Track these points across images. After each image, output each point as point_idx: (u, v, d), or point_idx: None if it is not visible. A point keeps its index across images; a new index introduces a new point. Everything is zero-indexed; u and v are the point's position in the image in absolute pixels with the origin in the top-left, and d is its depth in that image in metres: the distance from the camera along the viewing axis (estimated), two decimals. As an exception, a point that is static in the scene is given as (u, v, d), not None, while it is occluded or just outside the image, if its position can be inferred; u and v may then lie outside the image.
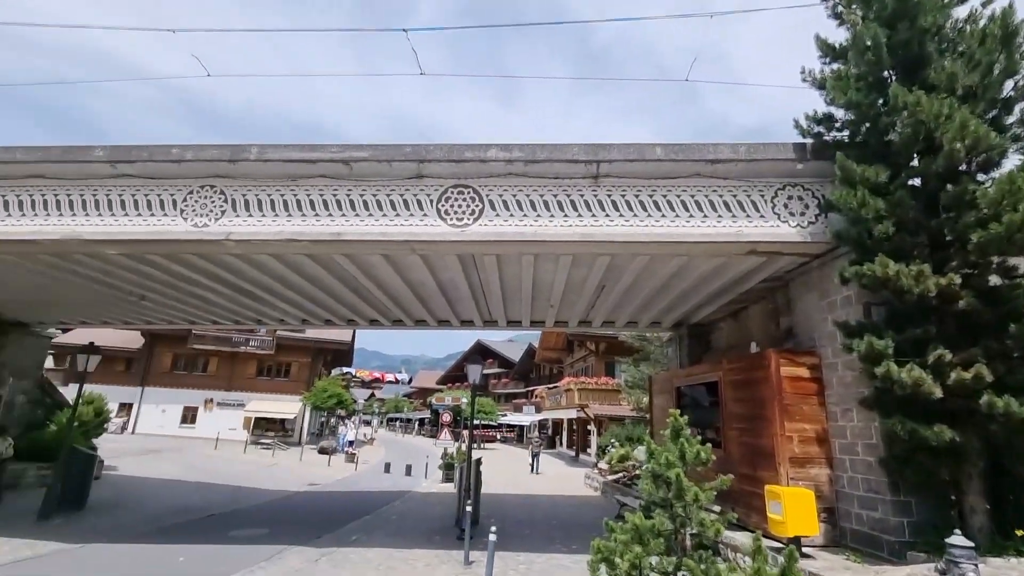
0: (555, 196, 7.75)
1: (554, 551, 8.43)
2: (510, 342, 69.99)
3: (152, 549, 8.06)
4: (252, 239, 7.75)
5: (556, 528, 10.51)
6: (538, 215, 7.71)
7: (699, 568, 3.56)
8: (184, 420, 32.69)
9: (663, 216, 7.63)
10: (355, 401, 30.48)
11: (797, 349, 7.99)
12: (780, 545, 6.99)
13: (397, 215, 7.77)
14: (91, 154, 7.95)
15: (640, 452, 17.06)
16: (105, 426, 16.58)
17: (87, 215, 8.00)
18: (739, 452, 8.45)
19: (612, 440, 19.30)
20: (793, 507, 6.45)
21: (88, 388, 23.32)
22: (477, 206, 7.77)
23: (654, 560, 3.78)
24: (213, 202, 7.97)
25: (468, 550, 7.52)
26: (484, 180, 7.83)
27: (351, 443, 25.30)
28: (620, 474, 16.24)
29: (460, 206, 7.76)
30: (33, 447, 13.50)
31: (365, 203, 7.84)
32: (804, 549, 6.49)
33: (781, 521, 6.45)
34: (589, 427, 28.19)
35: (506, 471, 23.45)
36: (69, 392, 19.42)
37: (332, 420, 45.68)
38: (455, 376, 69.82)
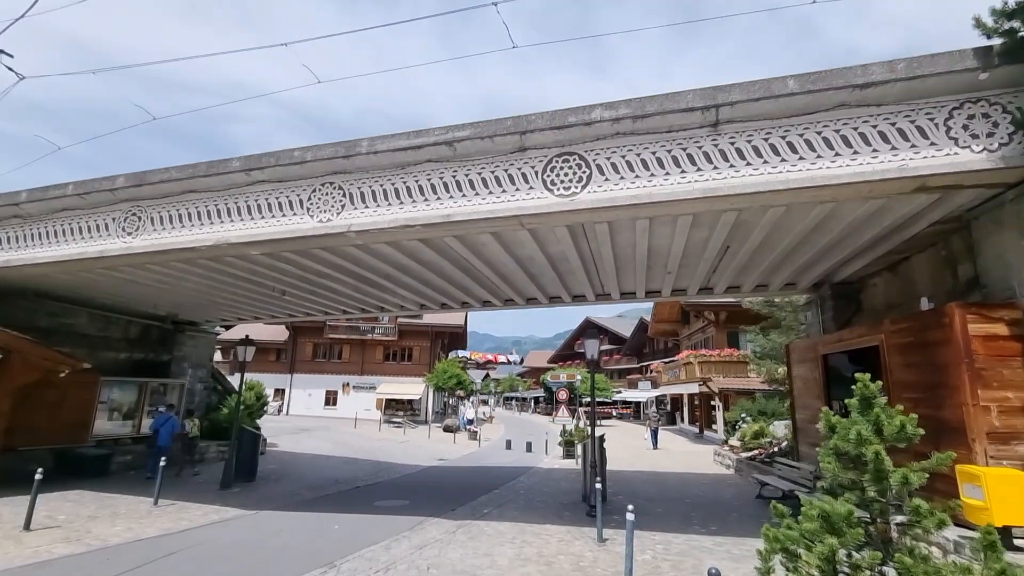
0: (669, 152, 7.07)
1: (692, 532, 7.94)
2: (619, 317, 68.43)
3: (312, 517, 8.95)
4: (370, 228, 8.09)
5: (691, 507, 9.94)
6: (651, 175, 7.10)
7: (918, 566, 2.95)
8: (327, 402, 36.52)
9: (800, 159, 6.61)
10: (473, 381, 31.72)
11: (989, 302, 6.54)
12: (971, 534, 5.86)
13: (503, 191, 7.63)
14: (229, 165, 8.81)
15: (778, 427, 15.64)
16: (265, 408, 18.92)
17: (232, 221, 8.92)
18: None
19: (743, 415, 17.93)
20: (1000, 491, 5.33)
21: (248, 376, 26.81)
22: (584, 172, 7.36)
23: (851, 554, 3.21)
24: (333, 197, 8.44)
25: (601, 527, 7.32)
26: (590, 144, 7.37)
27: (471, 421, 26.43)
28: (755, 451, 15.02)
29: (566, 174, 7.40)
30: (212, 427, 15.82)
31: (471, 182, 7.80)
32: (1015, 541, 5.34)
33: (982, 508, 5.35)
34: (713, 402, 26.58)
35: (626, 447, 22.97)
36: (236, 380, 22.37)
37: (453, 400, 48.32)
38: (565, 355, 70.16)
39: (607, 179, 7.24)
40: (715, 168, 6.86)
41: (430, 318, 37.15)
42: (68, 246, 9.84)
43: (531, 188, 7.54)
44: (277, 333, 37.95)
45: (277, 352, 38.69)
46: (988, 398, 6.12)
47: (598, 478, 7.82)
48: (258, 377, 37.11)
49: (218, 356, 41.98)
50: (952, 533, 5.93)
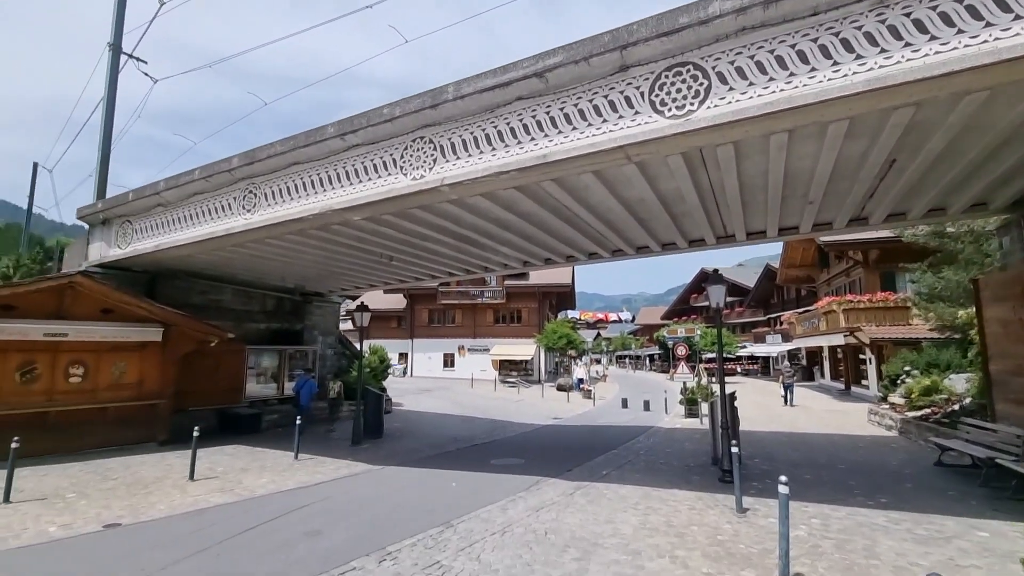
0: (815, 41, 5.55)
1: (855, 504, 6.68)
2: (740, 267, 63.04)
3: (431, 474, 9.10)
4: (463, 180, 7.62)
5: (848, 474, 8.51)
6: (791, 74, 5.65)
7: None
8: (445, 364, 38.42)
9: (1017, 17, 4.78)
10: (584, 341, 31.19)
11: None
12: None
13: (604, 120, 6.65)
14: (325, 132, 8.83)
15: (956, 382, 13.06)
16: (389, 371, 20.12)
17: (333, 188, 9.00)
18: None
19: (906, 368, 15.26)
20: None
21: (373, 342, 28.88)
22: (701, 85, 6.11)
23: None
24: (425, 152, 8.08)
25: (740, 495, 6.39)
26: (707, 49, 6.07)
27: (581, 380, 26.06)
28: (927, 410, 12.67)
29: (679, 91, 6.20)
30: (344, 389, 17.10)
31: (567, 116, 6.92)
32: None
33: None
34: (862, 355, 23.24)
35: (756, 405, 21.04)
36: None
37: (565, 359, 48.40)
38: (680, 310, 66.70)
39: (731, 88, 5.93)
40: (883, 52, 5.24)
41: (536, 278, 37.02)
42: (201, 227, 10.75)
43: (637, 113, 6.47)
44: (396, 302, 40.43)
45: (398, 319, 41.32)
46: None
47: (734, 441, 6.82)
48: (382, 343, 40.08)
49: (348, 326, 46.16)
50: None
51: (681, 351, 18.01)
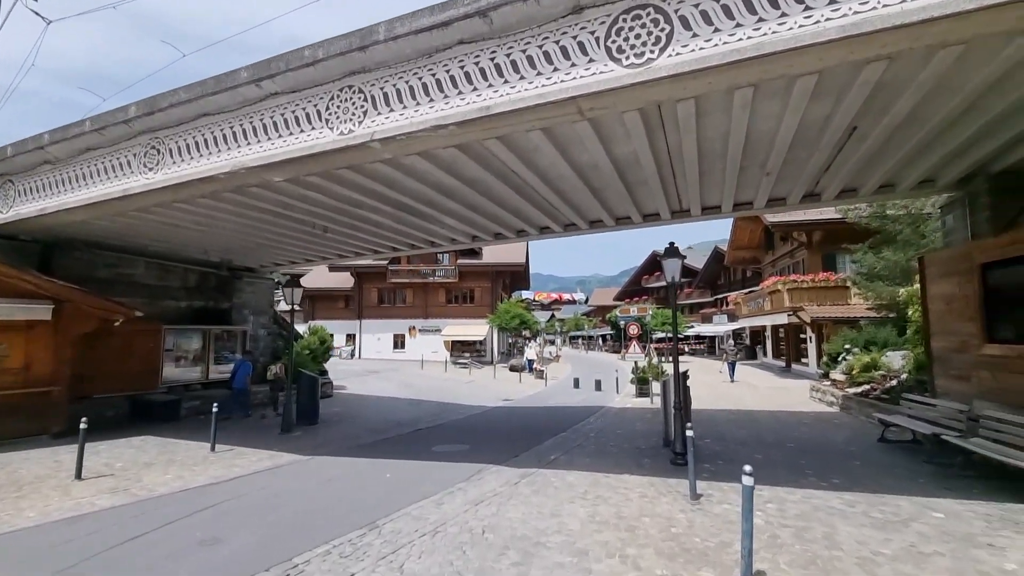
0: (785, -18, 4.98)
1: (809, 486, 6.42)
2: (689, 249, 64.37)
3: (366, 463, 8.29)
4: (397, 135, 6.68)
5: (798, 453, 8.36)
6: (759, 20, 5.05)
7: None
8: (395, 345, 37.22)
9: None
10: (537, 321, 30.84)
11: None
12: None
13: (555, 69, 5.88)
14: (237, 77, 7.62)
15: (893, 359, 13.37)
16: (330, 353, 18.91)
17: (248, 144, 7.83)
18: None
19: (846, 346, 15.62)
20: None
21: (318, 323, 27.36)
22: (663, 30, 5.43)
23: None
24: (354, 104, 7.07)
25: (694, 482, 5.97)
26: (670, -12, 5.40)
27: (532, 362, 25.70)
28: (866, 386, 12.92)
29: (638, 36, 5.51)
30: (287, 371, 15.84)
31: (514, 63, 6.10)
32: None
33: None
34: (803, 334, 24.00)
35: (703, 383, 21.32)
36: (310, 328, 22.63)
37: (519, 340, 48.17)
38: (632, 291, 67.84)
39: (695, 35, 5.29)
40: (859, -4, 4.73)
41: (489, 257, 36.23)
42: (95, 188, 9.27)
43: (591, 61, 5.73)
44: (343, 281, 38.66)
45: (345, 299, 39.59)
46: None
47: (688, 424, 6.38)
48: (329, 324, 38.23)
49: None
50: None
51: (633, 330, 17.82)
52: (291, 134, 7.52)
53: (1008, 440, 6.45)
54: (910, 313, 12.95)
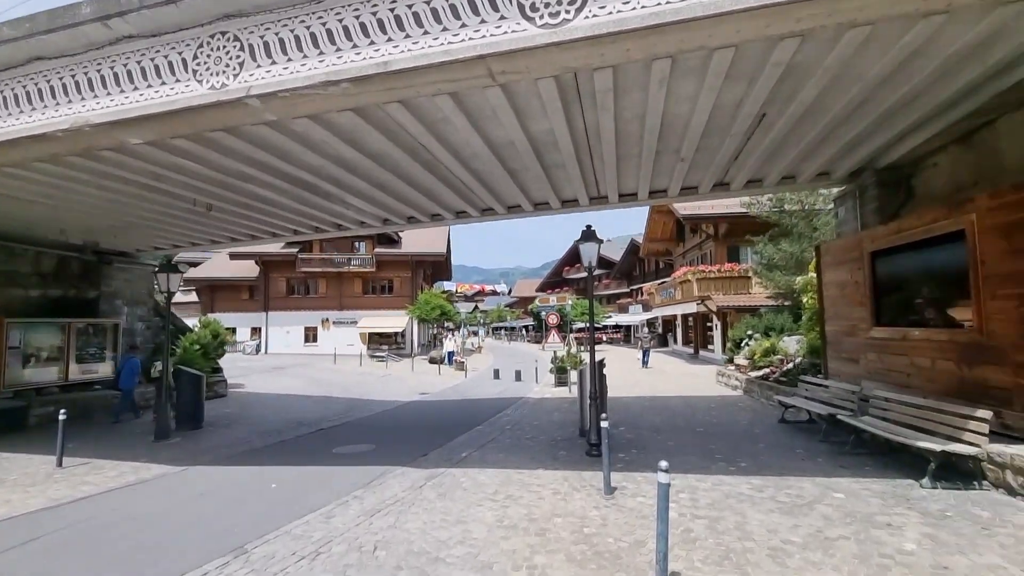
0: (704, -52, 4.72)
1: (719, 472, 6.39)
2: (608, 242, 66.54)
3: (250, 473, 7.29)
4: (279, 91, 5.73)
5: (707, 437, 8.46)
6: (679, -16, 4.78)
7: None
8: (307, 339, 34.93)
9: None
10: (458, 312, 30.18)
11: None
12: None
13: (463, 25, 5.25)
14: (79, 14, 6.21)
15: (789, 343, 14.20)
16: (225, 348, 17.06)
17: (96, 95, 6.46)
18: (1018, 331, 5.48)
19: (748, 332, 16.50)
20: None
21: (216, 315, 24.88)
22: (580, -11, 5.00)
23: None
24: (228, 53, 5.99)
25: (608, 475, 5.69)
26: (588, -56, 4.96)
27: (452, 354, 25.04)
28: (766, 370, 13.64)
29: (554, -6, 5.04)
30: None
31: (416, 15, 5.38)
32: None
33: None
34: (709, 322, 25.34)
35: (620, 370, 21.84)
36: (214, 320, 20.45)
37: (442, 332, 47.24)
38: (554, 282, 69.01)
39: (614, -5, 4.90)
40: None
41: (409, 247, 34.95)
42: None
43: (503, 18, 5.16)
44: (247, 269, 35.58)
45: (249, 289, 36.49)
46: None
47: (604, 415, 6.10)
48: (230, 316, 35.28)
49: (191, 297, 39.76)
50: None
51: (552, 320, 17.72)
52: (150, 86, 6.28)
53: (893, 418, 6.82)
54: (804, 300, 13.82)
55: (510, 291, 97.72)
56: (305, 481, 6.73)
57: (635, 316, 41.28)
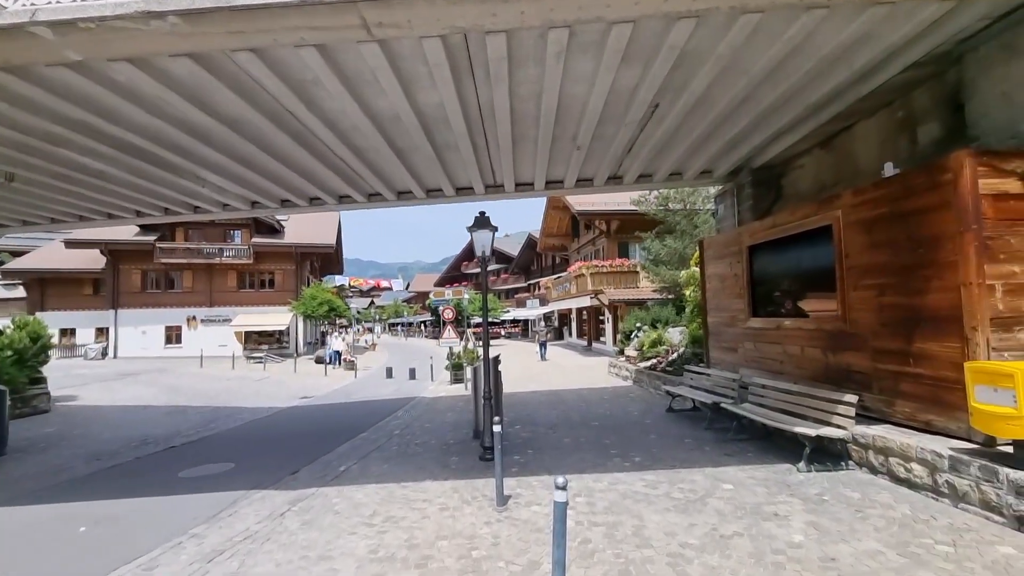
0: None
1: (614, 469, 6.20)
2: (506, 237, 67.22)
3: (56, 512, 5.75)
4: (78, 19, 4.36)
5: (601, 431, 8.35)
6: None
7: None
8: (169, 340, 30.69)
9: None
10: (349, 308, 28.27)
11: (1000, 150, 5.02)
12: (973, 446, 4.64)
13: (327, -39, 4.38)
14: None
15: (673, 334, 14.90)
16: (48, 353, 14.05)
17: None
18: (876, 319, 5.89)
19: (637, 324, 17.14)
20: (1041, 394, 3.93)
21: (51, 314, 20.64)
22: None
23: None
24: (4, -35, 4.51)
25: (501, 484, 5.18)
26: None
27: (338, 353, 23.16)
28: (653, 360, 14.18)
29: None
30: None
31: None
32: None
33: (1014, 416, 3.95)
34: (602, 315, 26.27)
35: (518, 364, 21.82)
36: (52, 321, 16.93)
37: (335, 329, 44.27)
38: (452, 276, 68.20)
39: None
40: (673, -63, 4.29)
41: (293, 237, 32.11)
42: None
43: (377, -44, 4.39)
44: (90, 260, 30.29)
45: (94, 283, 31.16)
46: (994, 274, 4.74)
47: (497, 417, 5.58)
48: (69, 316, 30.08)
49: (17, 293, 32.99)
50: (941, 447, 4.62)
51: (448, 314, 17.03)
52: None
53: (770, 404, 7.14)
54: (687, 293, 14.58)
55: (408, 285, 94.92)
56: (133, 518, 5.41)
57: (532, 310, 41.90)
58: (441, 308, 19.45)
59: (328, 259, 41.00)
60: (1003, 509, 4.00)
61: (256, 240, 30.75)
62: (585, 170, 10.03)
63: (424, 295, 74.75)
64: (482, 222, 6.83)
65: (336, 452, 7.82)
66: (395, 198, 10.78)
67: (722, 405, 7.70)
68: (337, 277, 63.56)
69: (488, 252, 6.91)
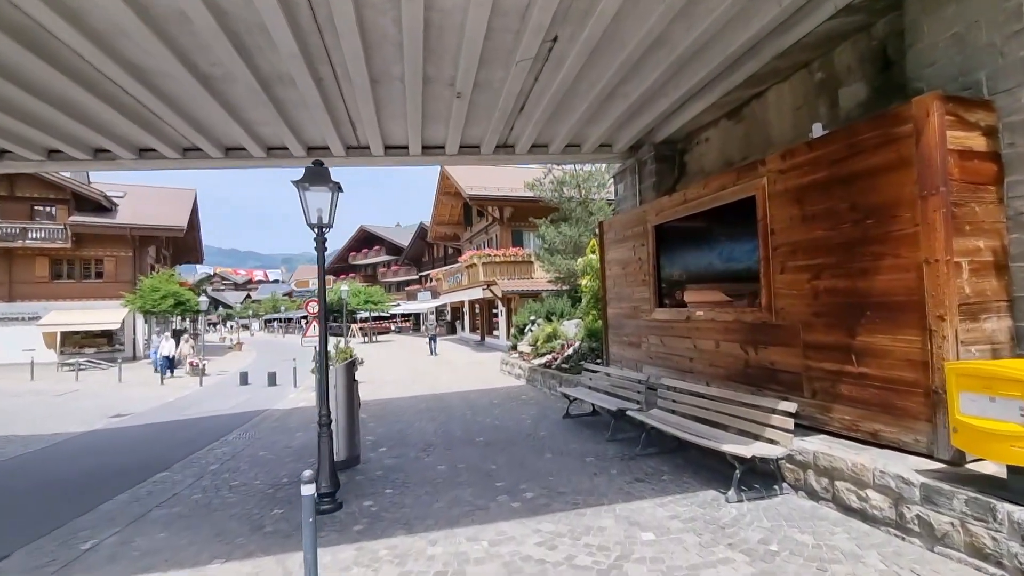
0: None
1: (498, 516, 4.58)
2: (398, 227, 63.77)
3: None
4: None
5: (488, 451, 6.74)
6: None
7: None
8: (-52, 345, 23.82)
9: None
10: (198, 301, 23.93)
11: (965, 97, 4.11)
12: (940, 466, 3.68)
13: None
14: None
15: (568, 327, 13.82)
16: None
17: None
18: (808, 308, 4.88)
19: (531, 317, 15.91)
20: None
21: None
22: None
23: None
24: None
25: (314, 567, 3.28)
26: None
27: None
28: (548, 356, 12.96)
29: None
30: None
31: None
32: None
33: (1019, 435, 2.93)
34: (495, 308, 24.93)
35: (404, 363, 19.77)
36: None
37: (191, 325, 38.13)
38: (338, 268, 63.16)
39: None
40: None
41: (128, 217, 26.55)
42: None
43: None
44: None
45: None
46: (961, 250, 3.81)
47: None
48: None
49: None
50: (906, 469, 3.59)
51: (312, 307, 14.36)
52: None
53: (682, 411, 6.02)
54: (583, 283, 13.53)
55: (290, 277, 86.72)
56: None
57: (424, 303, 39.60)
58: (305, 301, 16.68)
59: (181, 245, 35.14)
60: (1003, 559, 2.99)
61: (76, 219, 24.89)
62: (470, 133, 8.33)
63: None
64: (316, 175, 4.80)
65: (99, 511, 5.32)
66: (222, 155, 8.22)
67: (628, 412, 6.46)
68: (199, 267, 55.81)
69: (327, 219, 4.91)
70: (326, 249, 5.07)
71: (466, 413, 9.52)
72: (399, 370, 17.91)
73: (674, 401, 6.23)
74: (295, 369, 15.44)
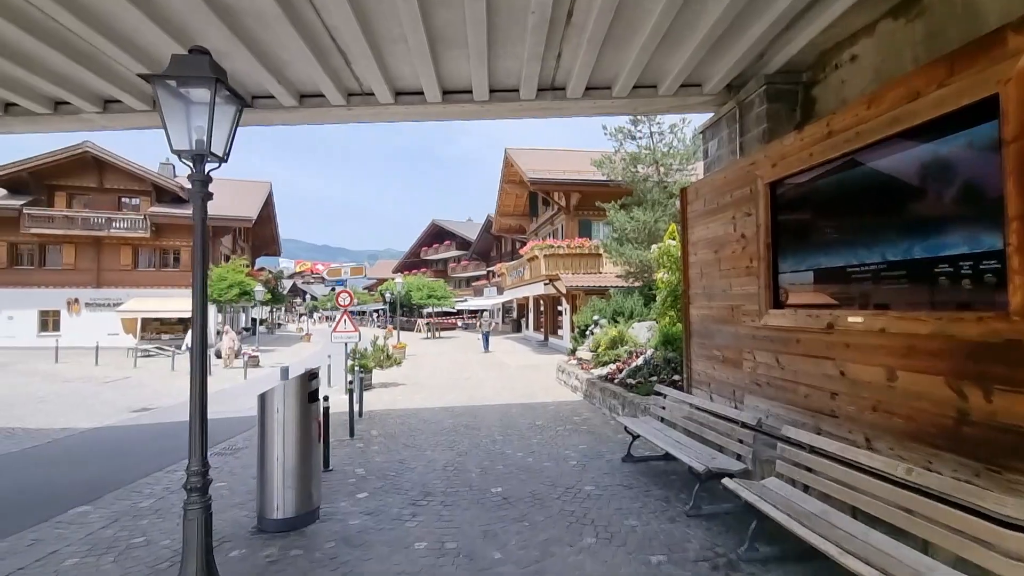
0: None
1: None
2: (468, 222, 63.03)
3: None
4: None
5: (501, 519, 4.54)
6: None
7: None
8: (45, 327, 25.57)
9: None
10: (255, 291, 23.82)
11: None
12: None
13: None
14: None
15: (639, 331, 11.25)
16: None
17: None
18: None
19: (595, 317, 13.47)
20: None
21: None
22: None
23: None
24: None
25: None
26: None
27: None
28: (611, 366, 10.49)
29: None
30: None
31: None
32: None
33: None
34: (559, 306, 22.60)
35: (452, 362, 18.08)
36: None
37: (281, 313, 39.52)
38: (411, 262, 63.68)
39: None
40: None
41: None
42: None
43: None
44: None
45: (-50, 257, 25.70)
46: None
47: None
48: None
49: None
50: None
51: (343, 299, 12.87)
52: None
53: (823, 487, 3.45)
54: (658, 277, 10.87)
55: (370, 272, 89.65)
56: None
57: (489, 299, 38.09)
58: (337, 291, 15.36)
59: (260, 237, 36.20)
60: None
61: (155, 210, 25.82)
62: (501, 66, 6.15)
63: (384, 281, 70.25)
64: (188, 65, 2.86)
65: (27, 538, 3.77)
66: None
67: (727, 485, 3.95)
68: (281, 260, 58.46)
69: (207, 138, 2.96)
70: (210, 195, 3.12)
71: (496, 439, 7.37)
72: (444, 371, 16.21)
73: (809, 470, 3.66)
74: (329, 367, 14.15)
